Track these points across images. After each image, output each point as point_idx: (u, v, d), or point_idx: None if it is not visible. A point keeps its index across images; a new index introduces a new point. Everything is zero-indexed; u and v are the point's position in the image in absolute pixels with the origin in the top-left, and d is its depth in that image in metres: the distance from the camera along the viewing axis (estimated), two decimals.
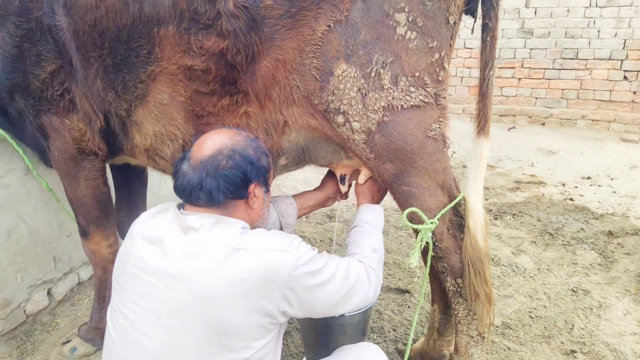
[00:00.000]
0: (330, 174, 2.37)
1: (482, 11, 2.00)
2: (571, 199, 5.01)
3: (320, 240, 4.18)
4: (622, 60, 7.13)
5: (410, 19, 1.81)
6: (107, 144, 2.31)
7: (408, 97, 1.90)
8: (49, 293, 3.23)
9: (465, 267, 2.10)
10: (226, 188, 1.52)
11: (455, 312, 2.24)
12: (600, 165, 6.01)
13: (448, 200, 2.10)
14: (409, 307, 3.22)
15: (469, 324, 2.23)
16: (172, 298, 1.44)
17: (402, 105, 1.90)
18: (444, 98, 1.97)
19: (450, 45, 1.94)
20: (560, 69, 7.53)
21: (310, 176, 5.22)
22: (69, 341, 2.85)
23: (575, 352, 2.81)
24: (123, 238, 2.84)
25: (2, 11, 2.10)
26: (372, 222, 2.04)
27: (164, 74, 1.94)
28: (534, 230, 4.32)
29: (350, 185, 2.33)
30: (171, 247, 1.49)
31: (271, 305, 1.47)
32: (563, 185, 5.43)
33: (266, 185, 1.67)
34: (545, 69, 7.60)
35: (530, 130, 7.64)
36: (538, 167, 6.05)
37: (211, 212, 1.56)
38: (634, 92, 7.09)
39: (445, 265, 2.16)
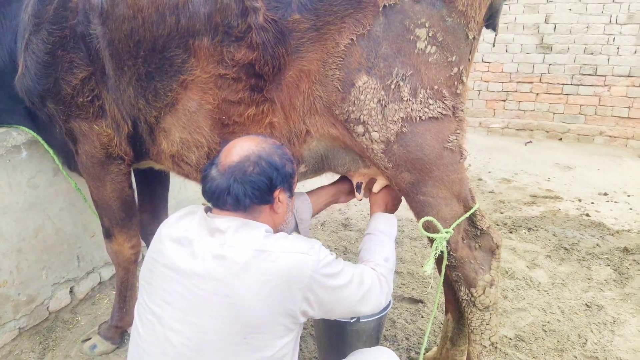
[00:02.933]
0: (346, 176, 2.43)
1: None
2: (587, 215, 5.00)
3: (335, 248, 4.23)
4: None
5: (430, 34, 1.88)
6: (133, 149, 2.41)
7: (426, 109, 1.96)
8: (71, 291, 3.33)
9: None
10: (252, 193, 1.60)
11: (469, 322, 2.27)
12: (617, 181, 5.98)
13: (463, 211, 2.15)
14: (422, 317, 3.25)
15: (482, 333, 2.26)
16: (199, 296, 1.52)
17: (420, 117, 1.96)
18: (462, 111, 2.03)
19: (469, 59, 2.00)
20: (578, 85, 7.50)
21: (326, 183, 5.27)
22: (89, 339, 2.94)
23: None
24: (145, 240, 2.97)
25: (37, 19, 2.20)
26: (385, 230, 2.10)
27: (195, 83, 2.03)
28: (549, 244, 4.32)
29: (369, 191, 2.38)
30: (199, 248, 1.57)
31: (293, 306, 1.54)
32: (579, 200, 5.41)
33: (290, 190, 1.75)
34: (563, 84, 7.58)
35: (547, 145, 7.61)
36: (554, 182, 6.04)
37: (237, 216, 1.63)
38: None
39: (460, 274, 2.20)
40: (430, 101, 1.95)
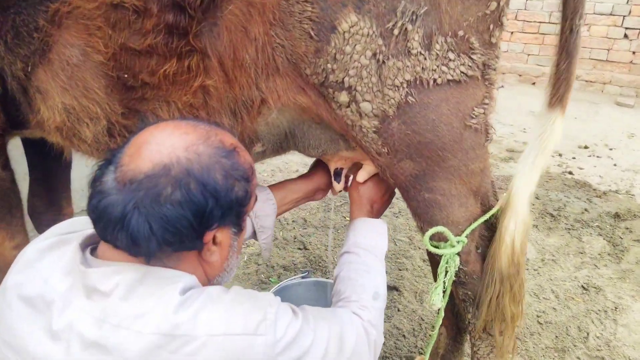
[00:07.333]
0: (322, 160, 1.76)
1: None
2: (570, 173, 4.58)
3: (292, 221, 3.59)
4: (624, 17, 6.56)
5: None
6: (6, 113, 1.63)
7: (445, 68, 1.32)
8: None
9: (492, 285, 1.58)
10: (163, 237, 0.89)
11: (475, 349, 1.76)
12: (597, 132, 5.57)
13: (481, 211, 1.58)
14: (399, 310, 2.72)
15: None
16: None
17: (435, 80, 1.32)
18: (494, 70, 1.39)
19: None
20: (556, 23, 6.90)
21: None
22: None
23: None
24: (40, 231, 2.22)
25: None
26: (371, 247, 1.46)
27: (74, 18, 1.25)
28: (533, 210, 3.86)
29: (346, 181, 1.72)
30: (63, 323, 0.91)
31: None
32: (560, 155, 4.98)
33: (239, 225, 1.05)
34: (540, 22, 6.95)
35: (519, 90, 7.09)
36: (531, 133, 5.57)
37: (136, 261, 0.94)
38: (634, 52, 6.59)
39: (469, 293, 1.66)
40: (452, 56, 1.30)
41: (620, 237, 3.54)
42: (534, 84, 7.24)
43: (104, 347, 0.86)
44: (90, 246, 1.02)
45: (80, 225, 1.11)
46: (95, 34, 1.23)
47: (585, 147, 5.16)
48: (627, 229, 3.65)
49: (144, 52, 1.23)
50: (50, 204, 2.19)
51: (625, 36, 6.62)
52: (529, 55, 7.18)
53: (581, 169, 4.67)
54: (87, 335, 0.88)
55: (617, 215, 3.80)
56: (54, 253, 1.01)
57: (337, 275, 1.38)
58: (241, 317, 0.93)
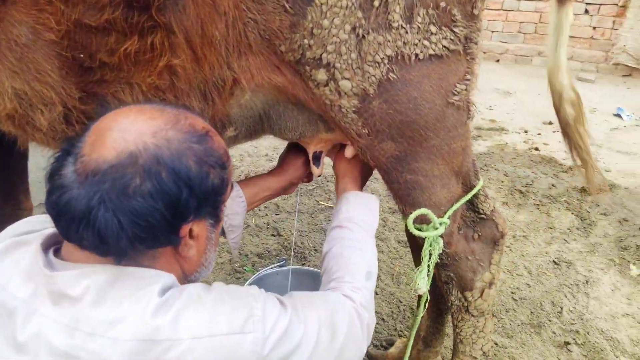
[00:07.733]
0: (294, 149, 1.67)
1: None
2: (536, 149, 4.63)
3: (265, 207, 3.50)
4: None
5: None
6: None
7: (426, 42, 1.26)
8: None
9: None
10: (134, 233, 0.80)
11: (458, 330, 1.74)
12: None
13: (462, 192, 1.55)
14: (377, 294, 2.68)
15: (473, 343, 1.75)
16: None
17: (417, 55, 1.26)
18: (476, 44, 1.34)
19: None
20: (519, 0, 6.93)
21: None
22: None
23: (569, 343, 2.43)
24: None
25: None
26: (364, 223, 1.39)
27: None
28: (503, 187, 3.89)
29: (336, 157, 1.64)
30: (28, 332, 0.82)
31: None
32: (525, 132, 5.04)
33: (216, 215, 0.97)
34: None
35: (484, 67, 7.11)
36: (497, 110, 5.62)
37: (105, 261, 0.85)
38: (594, 28, 6.69)
39: (452, 274, 1.64)
40: (433, 29, 1.24)
41: (588, 211, 3.60)
42: (498, 61, 7.28)
43: (76, 358, 0.78)
44: (53, 247, 0.92)
45: (38, 224, 1.01)
46: (46, 9, 1.10)
47: (550, 123, 5.22)
48: (594, 202, 3.72)
49: (101, 29, 1.11)
50: (6, 198, 2.03)
51: (586, 11, 6.71)
52: (492, 32, 7.21)
53: (547, 144, 4.74)
54: (57, 345, 0.79)
55: (583, 190, 3.86)
56: (11, 256, 0.91)
57: (329, 251, 1.29)
58: (226, 316, 0.86)
